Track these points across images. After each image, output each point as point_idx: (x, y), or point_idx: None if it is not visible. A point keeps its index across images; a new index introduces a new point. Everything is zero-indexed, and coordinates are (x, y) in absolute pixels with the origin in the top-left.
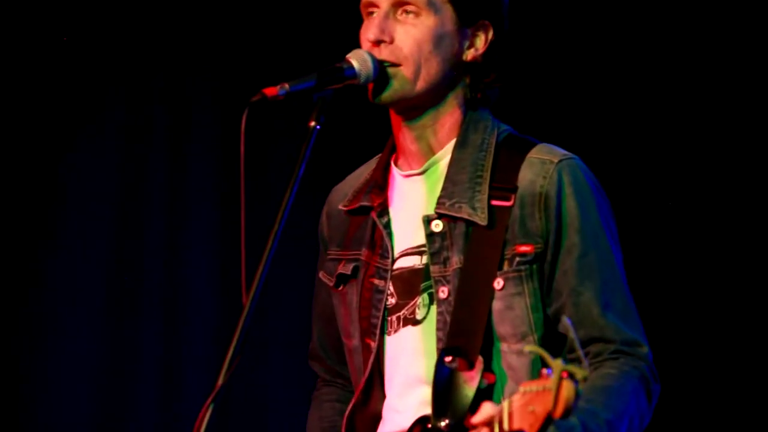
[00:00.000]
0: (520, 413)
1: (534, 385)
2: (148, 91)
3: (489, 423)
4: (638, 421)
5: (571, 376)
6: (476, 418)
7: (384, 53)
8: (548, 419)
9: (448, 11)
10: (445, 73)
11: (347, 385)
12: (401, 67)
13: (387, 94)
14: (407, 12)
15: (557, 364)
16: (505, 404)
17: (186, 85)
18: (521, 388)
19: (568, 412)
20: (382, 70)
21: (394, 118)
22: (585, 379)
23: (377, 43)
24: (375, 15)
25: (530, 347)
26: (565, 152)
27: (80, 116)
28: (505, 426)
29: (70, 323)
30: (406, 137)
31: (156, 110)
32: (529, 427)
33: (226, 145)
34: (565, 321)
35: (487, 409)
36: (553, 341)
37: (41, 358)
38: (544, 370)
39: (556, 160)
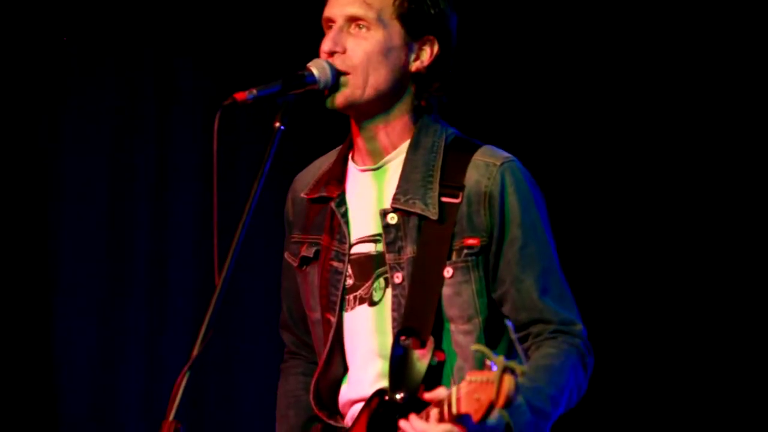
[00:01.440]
0: (466, 399)
1: (479, 376)
2: (137, 83)
3: (439, 404)
4: (577, 392)
5: (512, 371)
6: (429, 397)
7: (337, 62)
8: (491, 407)
9: (396, 26)
10: (392, 82)
11: (311, 356)
12: (351, 75)
13: (339, 100)
14: (359, 26)
15: (499, 360)
16: (454, 390)
17: (173, 79)
18: (468, 377)
19: (509, 402)
20: (337, 78)
21: (351, 120)
22: (523, 374)
23: (331, 53)
24: (332, 28)
25: (476, 346)
26: (507, 154)
27: (71, 105)
28: (454, 409)
29: (67, 302)
30: (361, 137)
31: (144, 104)
32: (474, 413)
33: (206, 141)
34: (507, 324)
35: (439, 392)
36: (495, 322)
37: (41, 332)
38: (488, 362)
39: (498, 163)
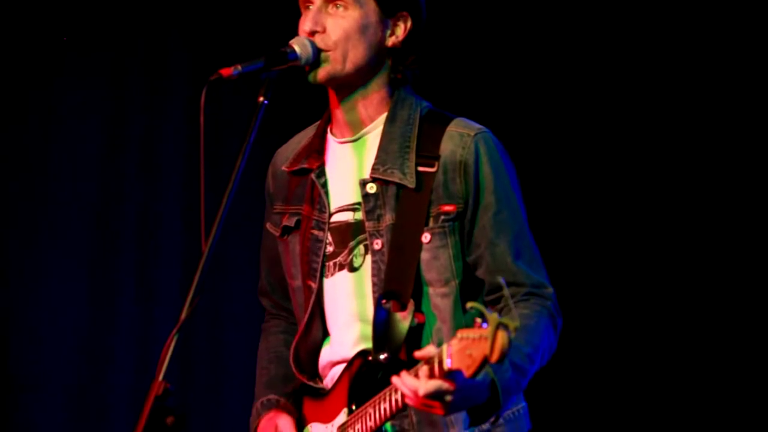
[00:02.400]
0: (458, 356)
1: (471, 333)
2: (127, 63)
3: (429, 362)
4: (549, 351)
5: (505, 327)
6: (419, 355)
7: (318, 41)
8: (484, 362)
9: (371, 4)
10: (370, 57)
11: (290, 317)
12: (332, 52)
13: (321, 74)
14: (337, 6)
15: (493, 317)
16: (444, 347)
17: (163, 58)
18: (459, 334)
19: (503, 356)
20: (317, 54)
21: (331, 94)
22: (516, 329)
23: (312, 33)
24: (311, 9)
25: (471, 303)
26: (479, 126)
27: (65, 82)
28: (445, 365)
29: (55, 267)
30: (340, 110)
31: (134, 80)
32: (467, 369)
33: (195, 117)
34: (501, 281)
35: (428, 350)
36: (470, 285)
37: (28, 295)
38: (478, 320)
39: (472, 134)
